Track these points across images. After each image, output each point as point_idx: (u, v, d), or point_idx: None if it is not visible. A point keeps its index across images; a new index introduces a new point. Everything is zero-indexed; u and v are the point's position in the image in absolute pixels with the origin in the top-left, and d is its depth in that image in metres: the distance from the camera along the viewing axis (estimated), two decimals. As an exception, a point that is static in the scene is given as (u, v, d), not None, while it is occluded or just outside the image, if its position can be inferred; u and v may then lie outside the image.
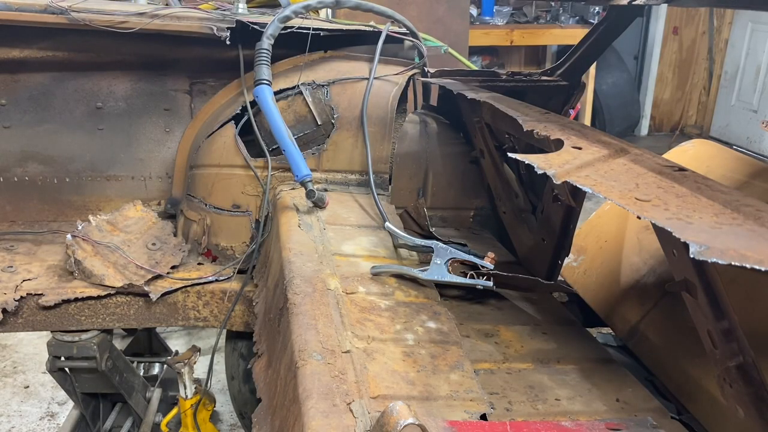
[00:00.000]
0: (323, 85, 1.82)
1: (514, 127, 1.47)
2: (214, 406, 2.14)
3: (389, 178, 1.88)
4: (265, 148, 1.78)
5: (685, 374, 1.40)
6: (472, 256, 1.40)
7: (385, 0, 3.91)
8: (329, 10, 2.21)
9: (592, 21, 6.19)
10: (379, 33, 1.97)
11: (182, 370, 1.91)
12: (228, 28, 1.70)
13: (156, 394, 2.16)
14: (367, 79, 1.85)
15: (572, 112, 2.41)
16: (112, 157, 1.94)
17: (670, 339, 1.51)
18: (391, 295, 1.33)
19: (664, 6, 6.12)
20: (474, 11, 6.05)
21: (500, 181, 1.95)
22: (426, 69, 2.00)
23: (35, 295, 1.63)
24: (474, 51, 5.86)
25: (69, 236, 1.69)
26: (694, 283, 0.96)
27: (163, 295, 1.67)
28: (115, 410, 2.15)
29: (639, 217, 0.89)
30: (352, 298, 1.26)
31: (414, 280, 1.39)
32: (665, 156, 1.57)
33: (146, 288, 1.65)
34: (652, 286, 1.68)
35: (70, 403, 2.22)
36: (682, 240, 0.77)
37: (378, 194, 1.83)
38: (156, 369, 2.42)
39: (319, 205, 1.63)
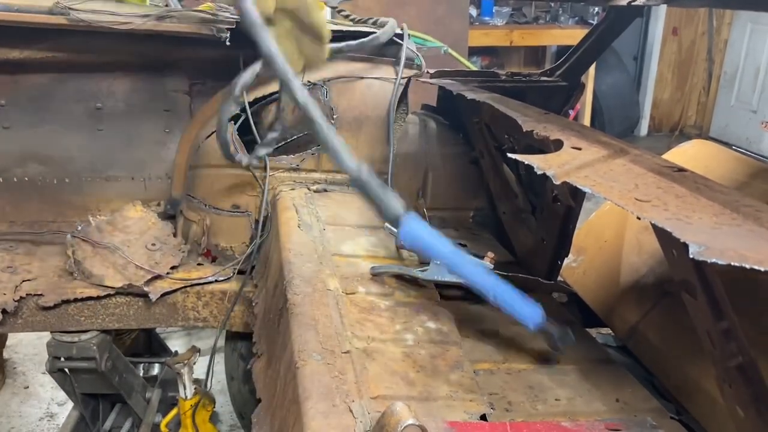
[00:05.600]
0: (323, 86, 1.82)
1: (513, 128, 1.47)
2: (214, 407, 2.14)
3: (389, 178, 1.88)
4: (264, 149, 1.78)
5: (684, 374, 1.40)
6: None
7: (385, 0, 3.91)
8: (329, 11, 2.22)
9: (591, 21, 6.19)
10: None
11: (182, 370, 1.91)
12: (228, 29, 1.70)
13: (156, 394, 2.16)
14: (365, 78, 1.86)
15: (571, 113, 2.42)
16: (112, 158, 1.94)
17: (669, 339, 1.51)
18: (391, 295, 1.33)
19: (664, 6, 6.13)
20: (473, 12, 6.05)
21: (500, 182, 1.95)
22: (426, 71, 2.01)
23: (35, 295, 1.63)
24: (473, 51, 5.85)
25: (69, 236, 1.69)
26: (693, 284, 0.96)
27: (162, 295, 1.67)
28: (114, 411, 2.15)
29: (638, 218, 0.89)
30: (351, 298, 1.26)
31: (414, 281, 1.39)
32: (665, 156, 1.57)
33: (146, 288, 1.65)
34: (651, 286, 1.68)
35: (70, 404, 2.22)
36: (681, 240, 0.77)
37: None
38: (156, 369, 2.42)
39: None
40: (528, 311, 1.10)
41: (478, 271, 1.11)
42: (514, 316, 1.10)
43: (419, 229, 1.03)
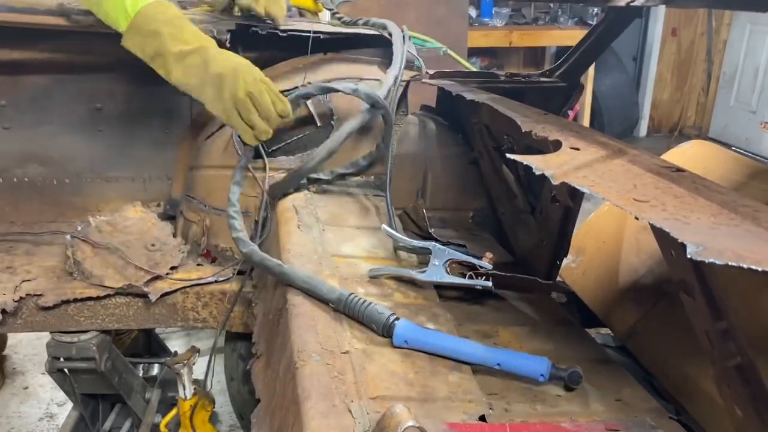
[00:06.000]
0: None
1: (512, 128, 1.47)
2: (214, 407, 2.14)
3: (389, 179, 1.88)
4: (262, 150, 1.78)
5: (683, 375, 1.41)
6: (470, 257, 1.41)
7: (384, 2, 3.92)
8: (328, 13, 2.23)
9: (590, 22, 6.20)
10: (379, 37, 1.99)
11: (181, 371, 1.91)
12: (228, 31, 1.70)
13: (155, 394, 2.16)
14: (365, 80, 1.86)
15: (571, 114, 2.42)
16: (112, 159, 1.94)
17: (668, 339, 1.51)
18: (390, 296, 1.33)
19: (663, 7, 6.13)
20: (473, 12, 6.06)
21: (499, 182, 1.95)
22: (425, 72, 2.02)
23: (34, 295, 1.63)
24: (473, 52, 5.86)
25: (68, 237, 1.70)
26: (691, 284, 0.96)
27: (162, 295, 1.67)
28: (114, 411, 2.15)
29: (637, 218, 0.90)
30: (351, 299, 1.26)
31: (413, 282, 1.39)
32: (664, 157, 1.58)
33: (146, 289, 1.65)
34: (650, 286, 1.69)
35: (69, 404, 2.22)
36: (679, 240, 0.77)
37: (376, 195, 1.83)
38: (155, 370, 2.42)
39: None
40: (534, 366, 1.16)
41: (476, 347, 1.18)
42: (524, 374, 1.17)
43: (409, 329, 1.15)
